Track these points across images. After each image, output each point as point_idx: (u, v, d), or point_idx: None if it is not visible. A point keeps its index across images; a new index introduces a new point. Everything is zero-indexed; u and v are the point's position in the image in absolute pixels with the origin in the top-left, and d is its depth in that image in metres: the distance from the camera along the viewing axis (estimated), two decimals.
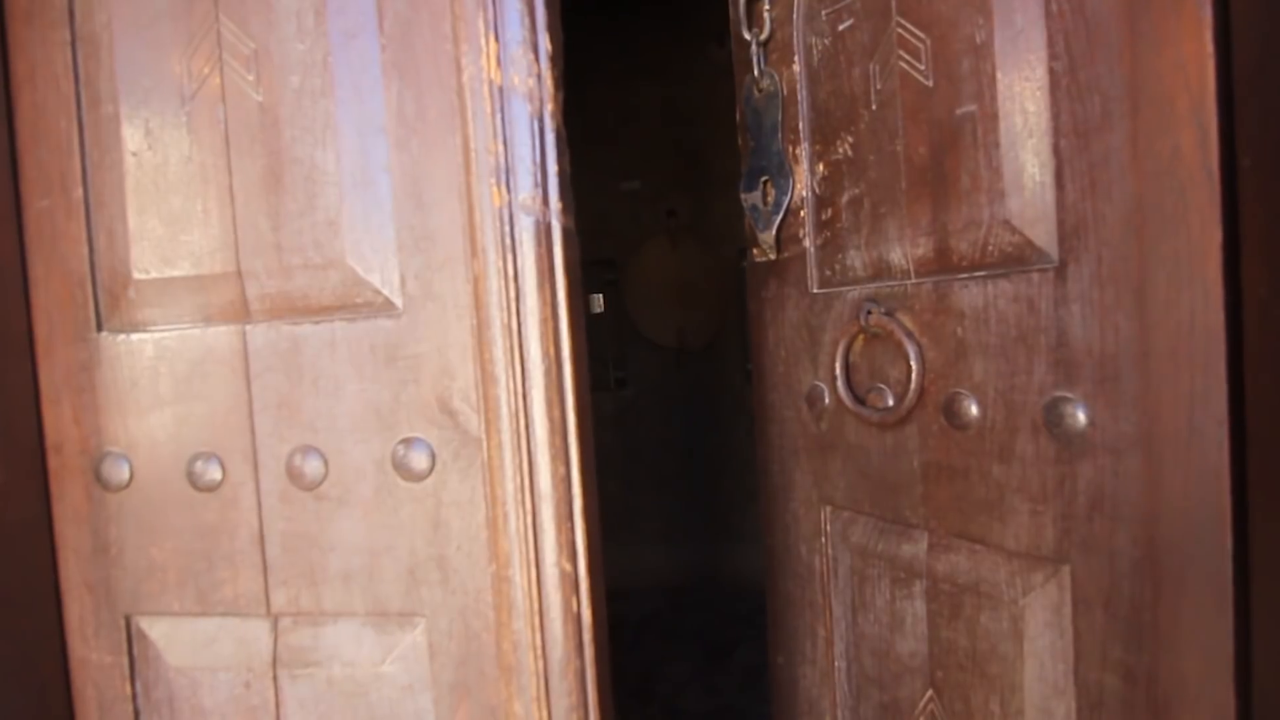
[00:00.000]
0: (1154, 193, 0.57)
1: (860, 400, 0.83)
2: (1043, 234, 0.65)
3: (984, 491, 0.72)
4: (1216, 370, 0.54)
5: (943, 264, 0.75)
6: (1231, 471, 0.54)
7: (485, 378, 0.57)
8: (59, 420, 0.69)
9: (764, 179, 0.94)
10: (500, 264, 0.57)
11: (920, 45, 0.74)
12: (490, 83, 0.55)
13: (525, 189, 0.57)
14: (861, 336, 0.83)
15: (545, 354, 0.56)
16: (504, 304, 0.55)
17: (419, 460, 0.63)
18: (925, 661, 0.80)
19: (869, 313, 0.80)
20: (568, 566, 0.62)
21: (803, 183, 0.90)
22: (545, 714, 0.61)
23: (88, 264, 0.68)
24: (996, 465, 0.70)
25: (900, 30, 0.76)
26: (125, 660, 0.70)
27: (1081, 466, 0.63)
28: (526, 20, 0.55)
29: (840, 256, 0.86)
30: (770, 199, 0.93)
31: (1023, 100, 0.66)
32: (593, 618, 0.62)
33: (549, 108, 0.56)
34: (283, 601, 0.67)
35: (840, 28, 0.83)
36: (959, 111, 0.71)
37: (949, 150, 0.72)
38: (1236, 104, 0.53)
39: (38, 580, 0.68)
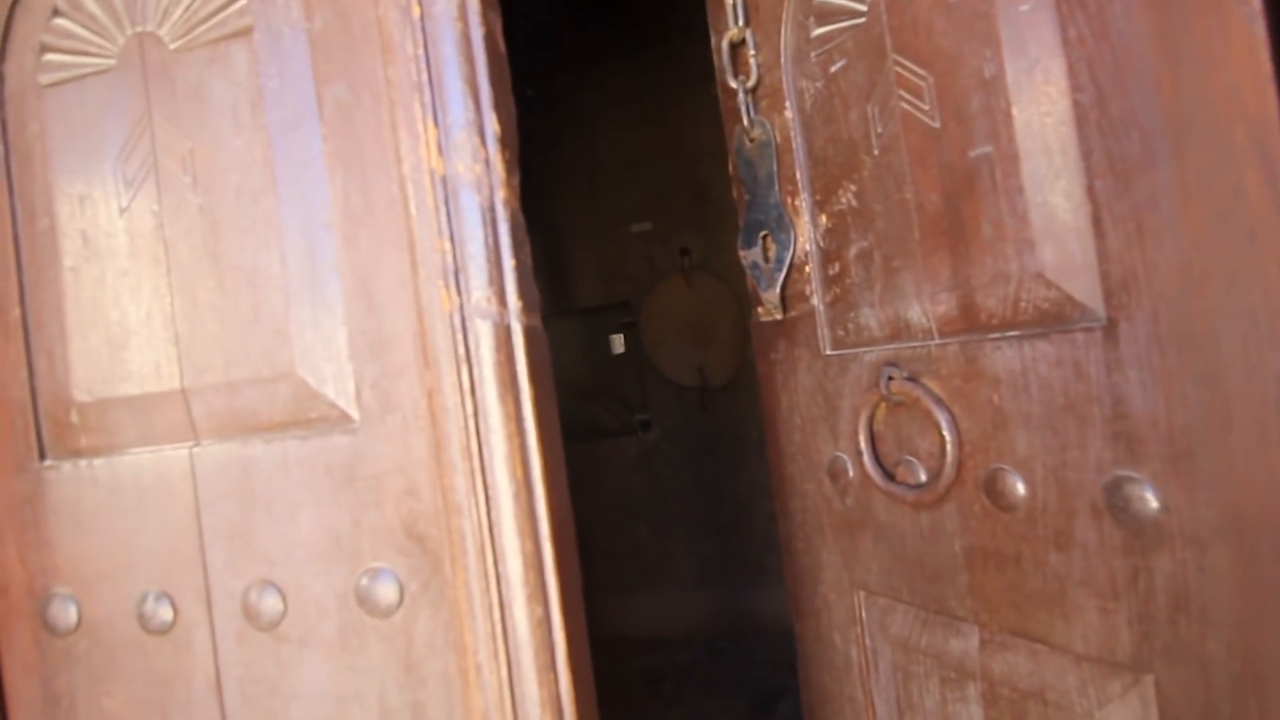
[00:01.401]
0: (1215, 239, 0.49)
1: (889, 475, 0.74)
2: (1084, 288, 0.57)
3: (1040, 583, 0.62)
4: None
5: (969, 323, 0.66)
6: None
7: (447, 507, 0.49)
8: (3, 560, 0.64)
9: (763, 233, 0.86)
10: (454, 377, 0.49)
11: (922, 84, 0.67)
12: (432, 173, 0.48)
13: (479, 288, 0.50)
14: (884, 404, 0.74)
15: (513, 477, 0.47)
16: (462, 422, 0.48)
17: (386, 593, 0.55)
18: None
19: (890, 378, 0.72)
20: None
21: (805, 236, 0.82)
22: None
23: (28, 389, 0.63)
24: (1053, 553, 0.61)
25: (899, 69, 0.69)
26: None
27: (1158, 559, 0.54)
28: (470, 101, 0.48)
29: (853, 315, 0.78)
30: (771, 254, 0.85)
31: (1045, 138, 0.58)
32: None
33: (500, 195, 0.48)
34: None
35: (832, 69, 0.76)
36: (973, 154, 0.63)
37: (965, 196, 0.64)
38: None
39: None
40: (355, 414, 0.56)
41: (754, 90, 0.86)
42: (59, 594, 0.63)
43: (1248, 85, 0.46)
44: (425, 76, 0.52)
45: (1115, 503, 0.56)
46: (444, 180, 0.49)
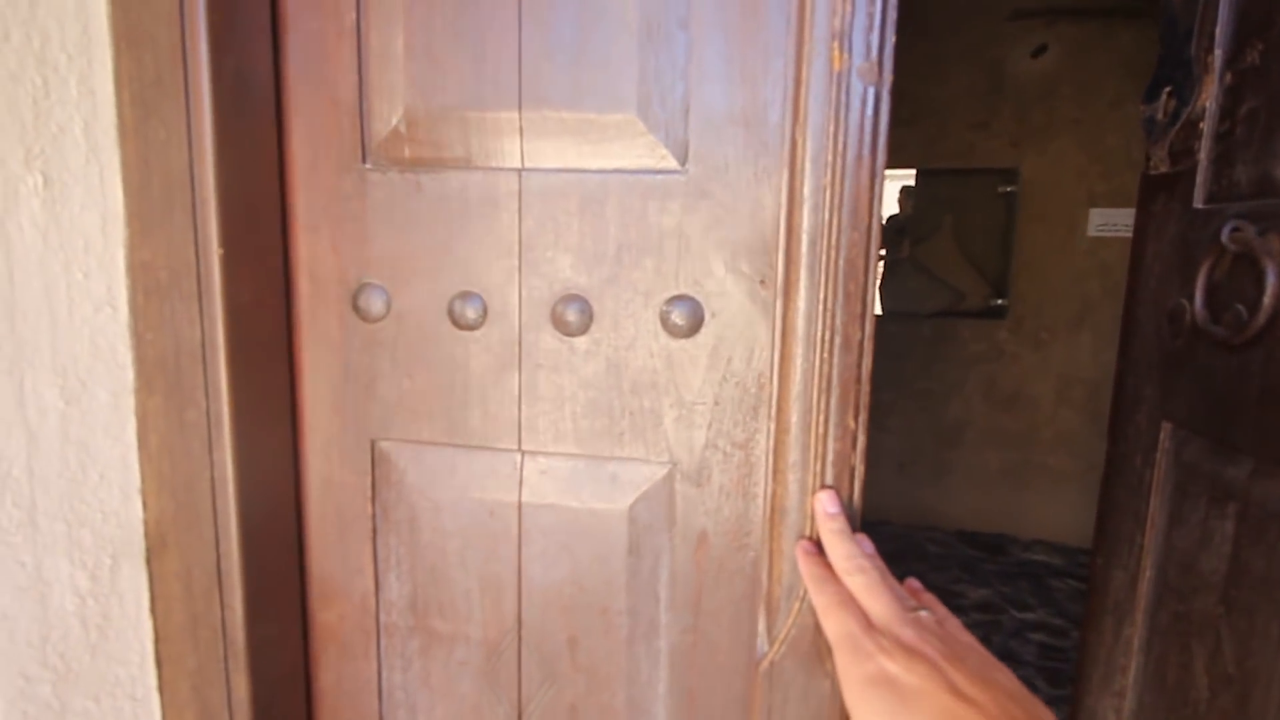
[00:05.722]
0: None
1: (1215, 320, 0.83)
2: None
3: None
4: None
5: None
6: None
7: (790, 240, 0.59)
8: (317, 249, 0.68)
9: (1167, 89, 0.92)
10: (830, 127, 0.57)
11: None
12: None
13: (863, 56, 0.56)
14: (1228, 255, 0.82)
15: (866, 214, 0.57)
16: (828, 165, 0.57)
17: (687, 318, 0.63)
18: (1223, 579, 0.81)
19: (1234, 229, 0.79)
20: (851, 424, 0.61)
21: (1208, 93, 0.87)
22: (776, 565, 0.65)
23: (356, 91, 0.66)
24: None
25: None
26: (368, 481, 0.72)
27: None
28: None
29: (1228, 172, 0.84)
30: (1169, 110, 0.92)
31: None
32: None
33: None
34: (533, 438, 0.68)
35: None
36: None
37: None
38: None
39: (279, 399, 0.71)
40: (691, 164, 0.62)
41: None
42: (370, 284, 0.68)
43: None
44: None
45: None
46: None
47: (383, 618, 0.74)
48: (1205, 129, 0.88)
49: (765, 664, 0.65)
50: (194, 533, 0.66)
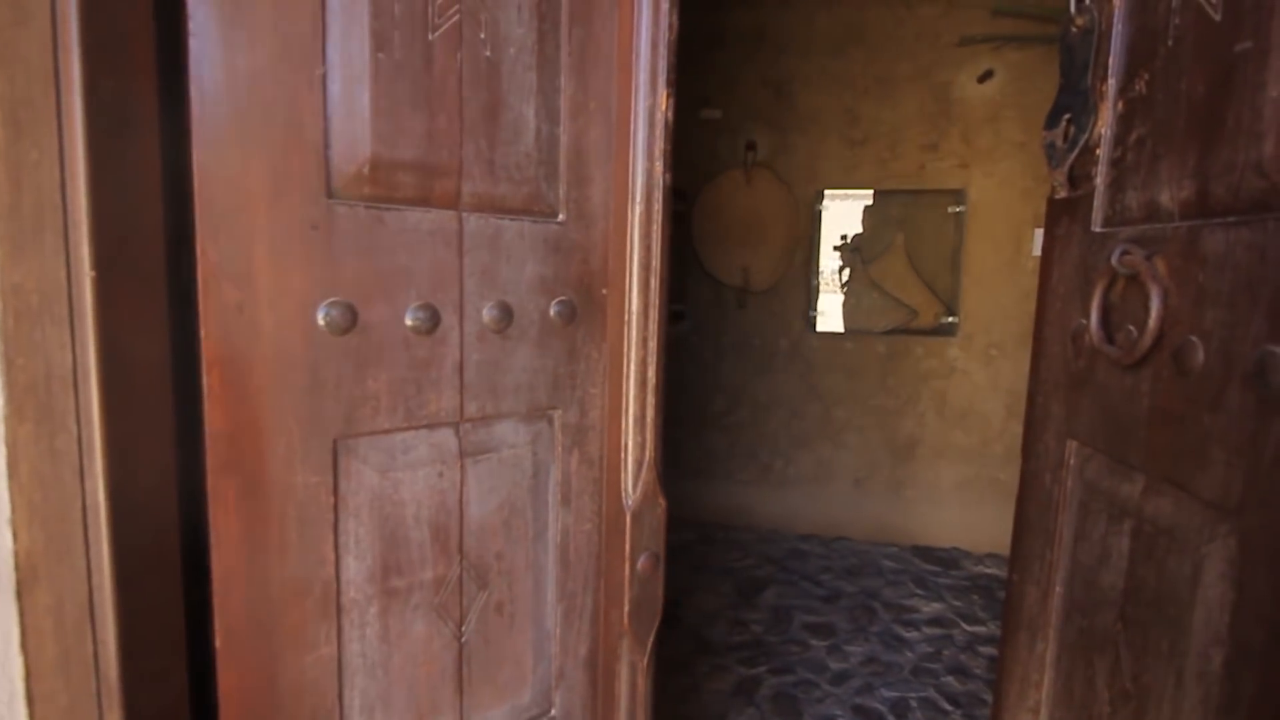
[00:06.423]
0: None
1: (1110, 340, 0.85)
2: None
3: (1193, 439, 0.72)
4: None
5: (1201, 208, 0.73)
6: None
7: (607, 273, 0.99)
8: (286, 271, 0.74)
9: (1066, 116, 0.95)
10: (645, 207, 0.97)
11: None
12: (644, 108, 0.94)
13: (658, 161, 0.97)
14: (1121, 277, 0.84)
15: (644, 261, 0.98)
16: (642, 230, 0.97)
17: (567, 312, 0.95)
18: (1120, 595, 0.83)
19: (1124, 253, 0.81)
20: (650, 376, 1.02)
21: (1103, 121, 0.90)
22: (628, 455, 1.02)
23: (323, 136, 0.74)
24: (1207, 414, 0.70)
25: None
26: (330, 478, 0.79)
27: (1275, 423, 0.62)
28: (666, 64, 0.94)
29: (1121, 196, 0.86)
30: (1069, 136, 0.95)
31: None
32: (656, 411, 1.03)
33: (667, 116, 0.96)
34: (472, 410, 0.90)
35: None
36: (1237, 48, 0.68)
37: (1221, 89, 0.70)
38: None
39: (162, 423, 0.72)
40: (562, 215, 0.92)
41: None
42: (338, 301, 0.77)
43: None
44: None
45: (1258, 372, 0.64)
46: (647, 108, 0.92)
47: (343, 599, 0.82)
48: (1100, 155, 0.91)
49: (631, 510, 1.03)
50: (65, 564, 0.63)
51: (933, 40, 3.46)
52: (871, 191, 3.70)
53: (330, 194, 0.75)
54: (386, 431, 0.83)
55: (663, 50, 0.95)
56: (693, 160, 3.71)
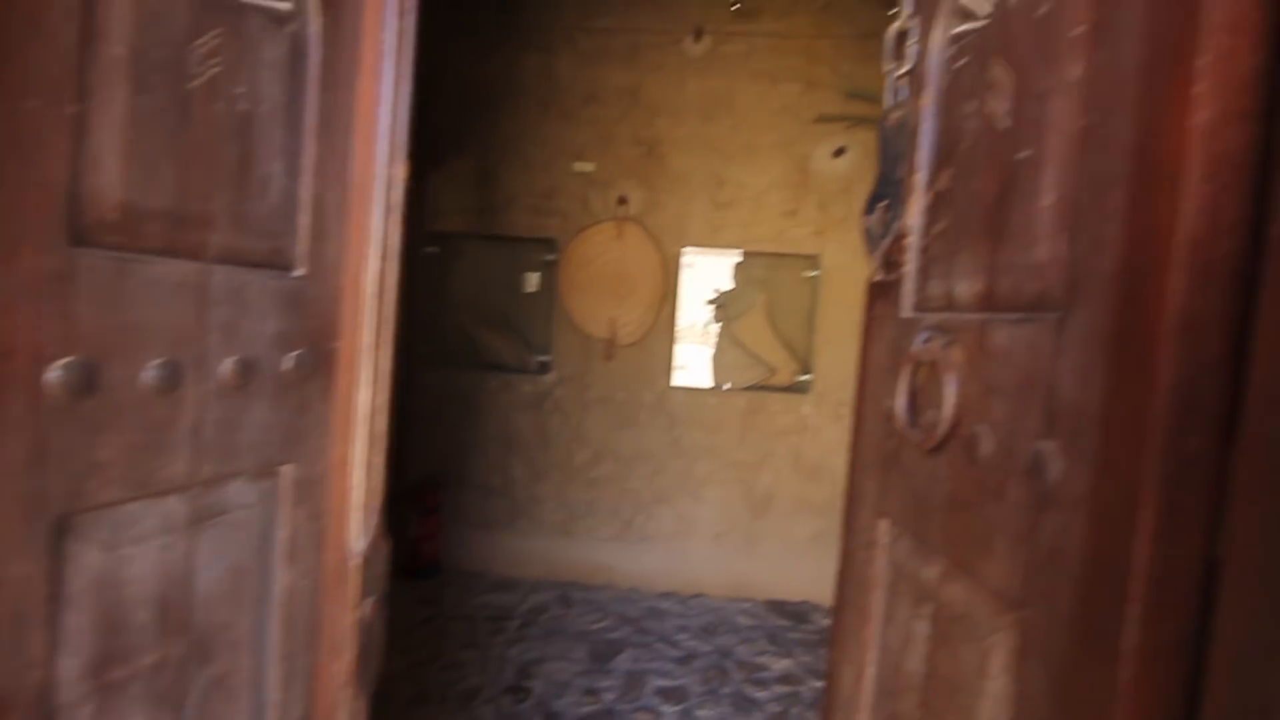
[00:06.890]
0: (1139, 255, 0.56)
1: (914, 424, 0.87)
2: (1058, 282, 0.65)
3: (983, 528, 0.73)
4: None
5: (989, 303, 0.76)
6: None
7: (341, 328, 1.01)
8: (13, 326, 0.64)
9: (883, 204, 0.99)
10: (380, 265, 1.03)
11: (1006, 86, 0.76)
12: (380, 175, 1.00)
13: (395, 224, 1.05)
14: (924, 363, 0.86)
15: (376, 313, 1.03)
16: (376, 287, 1.02)
17: (303, 365, 0.95)
18: (922, 681, 0.82)
19: (926, 339, 0.84)
20: (378, 427, 1.06)
21: (913, 211, 0.94)
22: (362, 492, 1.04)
23: (69, 179, 0.67)
24: (992, 503, 0.72)
25: (995, 69, 0.78)
26: (46, 565, 0.68)
27: (1047, 517, 0.64)
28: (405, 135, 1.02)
29: (927, 284, 0.89)
30: (884, 223, 0.98)
31: (1061, 151, 0.66)
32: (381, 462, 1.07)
33: (403, 188, 1.05)
34: (206, 472, 0.83)
35: (957, 65, 0.86)
36: (1019, 155, 0.72)
37: (1008, 192, 0.74)
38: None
39: None
40: (304, 270, 0.93)
41: (905, 76, 0.97)
42: (75, 360, 0.68)
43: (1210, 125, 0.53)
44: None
45: (1034, 466, 0.66)
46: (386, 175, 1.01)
47: (55, 702, 0.70)
48: (910, 243, 0.94)
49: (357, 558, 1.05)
50: None
51: (795, 115, 3.67)
52: (742, 250, 3.83)
53: (75, 241, 0.68)
54: (115, 504, 0.74)
55: (403, 121, 1.03)
56: (564, 210, 3.71)
